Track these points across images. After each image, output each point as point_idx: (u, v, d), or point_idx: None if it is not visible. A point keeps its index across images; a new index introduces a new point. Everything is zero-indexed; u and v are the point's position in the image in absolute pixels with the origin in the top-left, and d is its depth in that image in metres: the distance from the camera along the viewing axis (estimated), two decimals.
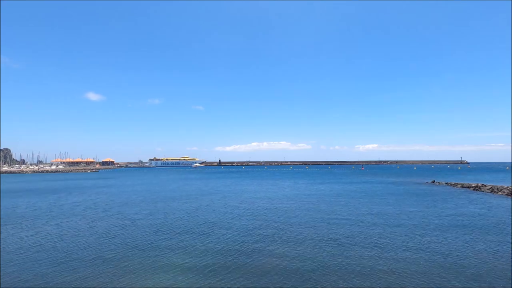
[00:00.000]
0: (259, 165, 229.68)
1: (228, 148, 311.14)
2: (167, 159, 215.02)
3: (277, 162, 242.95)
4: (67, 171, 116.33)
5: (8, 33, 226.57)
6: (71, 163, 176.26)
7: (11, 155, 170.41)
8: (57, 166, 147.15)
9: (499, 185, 33.74)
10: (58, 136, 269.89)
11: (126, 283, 8.70)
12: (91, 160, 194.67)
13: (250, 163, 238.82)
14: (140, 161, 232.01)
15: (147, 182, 52.83)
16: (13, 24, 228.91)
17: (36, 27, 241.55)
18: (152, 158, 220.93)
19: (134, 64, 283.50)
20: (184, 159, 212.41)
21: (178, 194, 32.15)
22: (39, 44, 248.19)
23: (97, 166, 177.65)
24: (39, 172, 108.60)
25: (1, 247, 12.49)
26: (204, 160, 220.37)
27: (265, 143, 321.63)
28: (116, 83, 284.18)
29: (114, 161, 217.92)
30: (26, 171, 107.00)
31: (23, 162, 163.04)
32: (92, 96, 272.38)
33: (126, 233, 14.78)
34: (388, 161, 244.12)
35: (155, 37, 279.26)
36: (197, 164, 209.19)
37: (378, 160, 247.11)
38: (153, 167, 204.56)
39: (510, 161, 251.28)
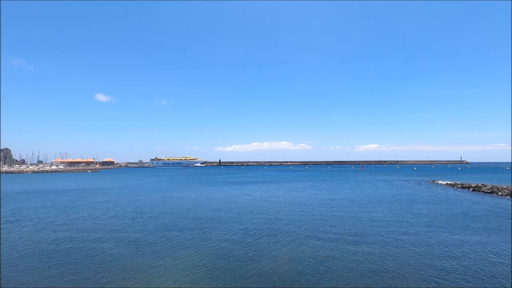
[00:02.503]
0: (259, 165, 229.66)
1: (228, 148, 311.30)
2: (168, 159, 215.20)
3: (277, 162, 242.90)
4: (67, 171, 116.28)
5: (24, 35, 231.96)
6: (71, 163, 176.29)
7: (11, 155, 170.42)
8: (57, 166, 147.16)
9: (499, 185, 33.72)
10: (58, 136, 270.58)
11: (134, 282, 8.71)
12: (91, 160, 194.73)
13: (250, 163, 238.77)
14: (140, 161, 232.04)
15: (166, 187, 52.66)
16: (26, 26, 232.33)
17: (46, 28, 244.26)
18: (154, 158, 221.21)
19: (142, 65, 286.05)
20: (185, 159, 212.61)
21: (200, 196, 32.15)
22: (49, 45, 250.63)
23: (97, 166, 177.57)
24: (39, 172, 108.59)
25: (19, 249, 12.48)
26: (206, 160, 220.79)
27: (265, 143, 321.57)
28: (125, 85, 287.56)
29: (114, 161, 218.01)
30: (26, 171, 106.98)
31: (23, 162, 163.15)
32: (101, 97, 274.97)
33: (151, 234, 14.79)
34: (388, 161, 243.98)
35: (157, 38, 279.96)
36: (198, 164, 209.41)
37: (378, 160, 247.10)
38: (153, 167, 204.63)
39: (510, 161, 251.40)
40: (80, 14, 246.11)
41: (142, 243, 12.94)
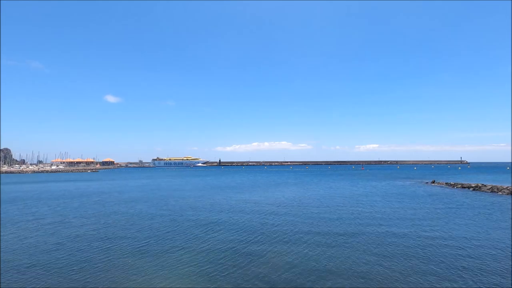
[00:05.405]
0: (259, 165, 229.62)
1: (228, 148, 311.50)
2: (170, 159, 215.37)
3: (277, 162, 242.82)
4: (67, 171, 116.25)
5: (39, 38, 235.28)
6: (71, 163, 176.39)
7: (11, 155, 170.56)
8: (57, 166, 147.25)
9: (499, 185, 33.71)
10: (58, 136, 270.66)
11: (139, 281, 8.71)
12: (91, 160, 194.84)
13: (250, 163, 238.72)
14: (140, 161, 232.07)
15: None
16: (28, 26, 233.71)
17: (47, 29, 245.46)
18: (155, 158, 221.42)
19: (144, 66, 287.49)
20: (187, 159, 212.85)
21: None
22: (49, 45, 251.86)
23: (97, 166, 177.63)
24: (39, 172, 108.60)
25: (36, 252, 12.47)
26: (207, 160, 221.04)
27: (266, 143, 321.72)
28: (132, 85, 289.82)
29: (114, 161, 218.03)
30: (26, 171, 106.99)
31: (23, 162, 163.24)
32: (111, 99, 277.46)
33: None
34: (388, 161, 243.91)
35: (157, 38, 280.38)
36: (199, 164, 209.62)
37: (378, 160, 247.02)
38: (154, 167, 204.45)
39: (510, 161, 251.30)
40: (80, 14, 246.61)
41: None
